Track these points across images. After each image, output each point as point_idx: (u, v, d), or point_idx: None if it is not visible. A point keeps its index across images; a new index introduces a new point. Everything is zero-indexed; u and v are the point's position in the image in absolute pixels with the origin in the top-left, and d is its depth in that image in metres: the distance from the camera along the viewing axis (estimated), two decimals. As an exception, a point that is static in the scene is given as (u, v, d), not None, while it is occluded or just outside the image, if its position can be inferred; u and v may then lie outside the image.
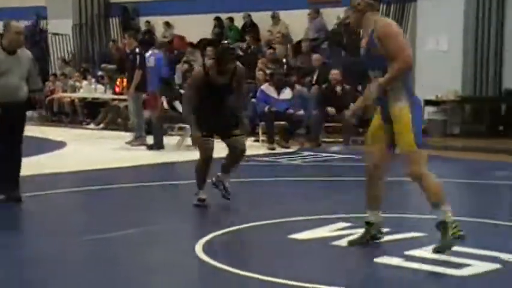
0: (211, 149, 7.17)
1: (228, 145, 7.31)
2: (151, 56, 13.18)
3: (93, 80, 18.18)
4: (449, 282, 4.78)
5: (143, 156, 11.42)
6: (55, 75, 19.46)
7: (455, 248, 5.39)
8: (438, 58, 13.83)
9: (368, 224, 5.59)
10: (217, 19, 18.52)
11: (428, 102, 14.16)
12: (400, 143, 5.25)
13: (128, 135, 13.04)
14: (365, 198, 5.58)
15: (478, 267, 4.99)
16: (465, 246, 5.43)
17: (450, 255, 5.22)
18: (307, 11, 16.80)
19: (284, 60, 15.91)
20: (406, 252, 5.34)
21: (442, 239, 5.17)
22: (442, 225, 5.17)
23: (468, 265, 5.03)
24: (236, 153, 7.29)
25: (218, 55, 7.14)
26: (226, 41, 9.95)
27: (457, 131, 13.82)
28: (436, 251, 5.19)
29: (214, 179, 7.44)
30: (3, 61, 7.19)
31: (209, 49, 17.10)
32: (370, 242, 5.57)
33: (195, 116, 7.04)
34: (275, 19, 17.35)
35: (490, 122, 13.68)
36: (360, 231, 5.85)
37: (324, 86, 13.44)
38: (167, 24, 19.29)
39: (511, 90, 13.24)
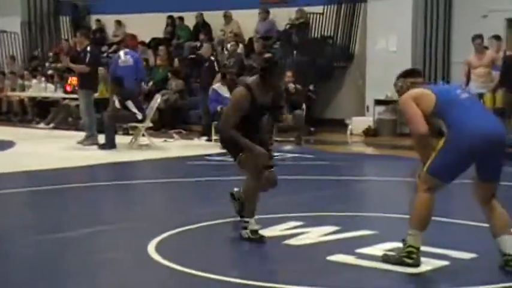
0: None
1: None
2: (127, 54, 13.17)
3: (43, 78, 17.92)
4: (397, 279, 4.85)
5: (95, 156, 11.31)
6: (3, 73, 19.13)
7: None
8: (388, 58, 14.01)
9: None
10: (170, 18, 18.45)
11: (378, 102, 14.37)
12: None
13: (79, 135, 12.91)
14: None
15: (427, 264, 5.05)
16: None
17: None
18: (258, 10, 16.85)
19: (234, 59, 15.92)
20: (358, 250, 5.40)
21: (397, 253, 5.10)
22: (404, 242, 5.09)
23: (418, 262, 5.11)
24: (269, 185, 6.06)
25: (264, 70, 5.78)
26: (268, 54, 8.55)
27: (406, 130, 14.00)
28: (383, 259, 5.12)
29: (235, 192, 6.43)
30: None
31: (161, 48, 17.06)
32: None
33: (238, 136, 5.77)
34: (227, 18, 17.34)
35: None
36: (313, 231, 5.91)
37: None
38: (118, 23, 19.15)
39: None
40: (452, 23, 14.65)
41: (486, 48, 12.93)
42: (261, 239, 5.69)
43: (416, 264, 4.96)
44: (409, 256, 4.95)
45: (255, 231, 5.71)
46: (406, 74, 5.33)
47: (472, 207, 5.32)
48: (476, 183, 5.00)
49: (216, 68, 13.70)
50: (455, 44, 14.59)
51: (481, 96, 12.82)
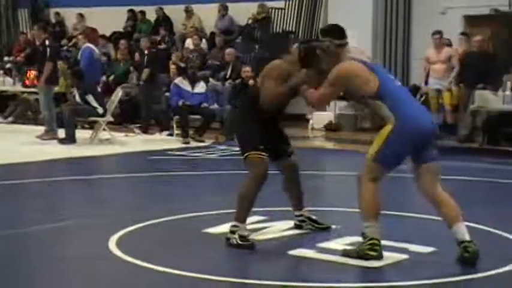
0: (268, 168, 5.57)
1: (283, 167, 5.88)
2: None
3: (1, 72, 17.65)
4: (357, 273, 4.90)
5: (55, 150, 11.20)
6: (-40, 67, 18.80)
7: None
8: (349, 54, 14.07)
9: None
10: (131, 11, 18.33)
11: (339, 97, 14.41)
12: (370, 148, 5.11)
13: (39, 129, 12.76)
14: None
15: (387, 258, 5.10)
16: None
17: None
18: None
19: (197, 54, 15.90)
20: (319, 245, 5.44)
21: (358, 247, 5.15)
22: (363, 236, 5.17)
23: (378, 256, 5.17)
24: (296, 173, 5.91)
25: (304, 55, 5.49)
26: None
27: (367, 125, 14.13)
28: (344, 254, 5.15)
29: (297, 220, 5.97)
30: None
31: (122, 42, 16.94)
32: None
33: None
34: (188, 13, 17.29)
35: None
36: (276, 225, 5.95)
37: (237, 81, 13.49)
38: (80, 16, 18.95)
39: (419, 86, 13.62)
40: (412, 19, 14.84)
41: (448, 44, 13.13)
42: (252, 247, 5.39)
43: (380, 256, 5.02)
44: (373, 248, 5.01)
45: (244, 237, 5.42)
46: (331, 33, 5.29)
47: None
48: (417, 173, 5.11)
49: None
50: (414, 40, 14.78)
51: (439, 91, 13.04)
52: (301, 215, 5.91)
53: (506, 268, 4.93)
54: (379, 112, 5.02)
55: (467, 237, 4.98)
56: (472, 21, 14.31)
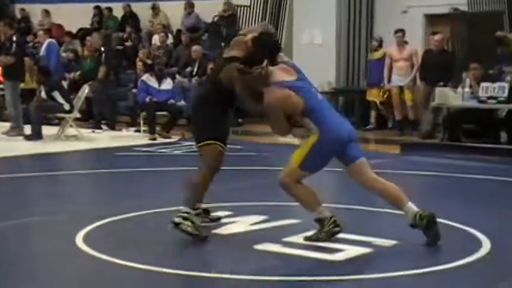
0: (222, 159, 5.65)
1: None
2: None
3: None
4: (321, 266, 4.93)
5: (21, 147, 11.07)
6: None
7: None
8: (313, 51, 14.15)
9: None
10: (97, 8, 18.16)
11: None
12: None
13: (5, 125, 12.60)
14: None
15: (351, 251, 5.15)
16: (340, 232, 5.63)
17: (325, 241, 5.38)
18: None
19: (164, 51, 15.83)
20: (284, 239, 5.45)
21: (318, 231, 5.39)
22: (318, 222, 5.43)
23: (342, 250, 5.19)
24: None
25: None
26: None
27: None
28: (308, 238, 5.38)
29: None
30: None
31: (88, 39, 16.78)
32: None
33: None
34: (155, 10, 17.20)
35: (361, 113, 14.13)
36: (241, 220, 5.96)
37: (203, 77, 13.46)
38: (46, 12, 18.74)
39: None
40: (375, 18, 14.95)
41: (406, 42, 13.26)
42: (204, 239, 5.38)
43: (342, 228, 5.36)
44: (336, 224, 5.34)
45: (198, 227, 5.35)
46: (269, 54, 5.41)
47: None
48: (349, 172, 5.48)
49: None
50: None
51: (401, 89, 13.17)
52: (198, 208, 5.67)
53: (467, 260, 4.99)
54: (307, 127, 5.41)
55: (416, 209, 5.27)
56: (433, 20, 14.50)
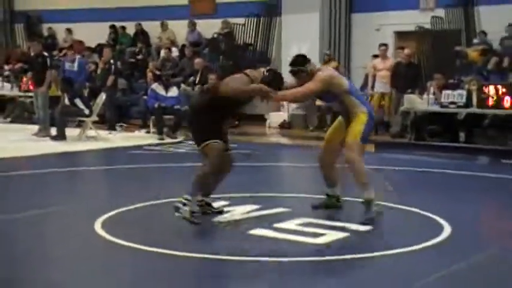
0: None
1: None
2: (73, 62, 13.45)
3: (0, 78, 17.32)
4: (308, 249, 4.93)
5: (48, 146, 11.04)
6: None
7: (312, 221, 5.58)
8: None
9: (328, 196, 6.05)
10: (112, 27, 18.13)
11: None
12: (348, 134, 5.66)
13: (34, 128, 12.57)
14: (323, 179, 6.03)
15: (331, 235, 5.15)
16: (320, 219, 5.63)
17: (310, 227, 5.39)
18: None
19: (171, 63, 15.80)
20: (275, 225, 5.45)
21: (366, 212, 5.52)
22: (367, 203, 5.54)
23: (323, 234, 5.19)
24: (230, 166, 5.82)
25: (270, 80, 5.54)
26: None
27: (315, 124, 14.20)
28: (364, 223, 5.43)
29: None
30: None
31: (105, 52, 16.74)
32: (329, 208, 6.01)
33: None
34: (164, 27, 17.18)
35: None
36: (237, 209, 5.96)
37: (205, 86, 13.43)
38: (68, 31, 18.71)
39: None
40: (352, 34, 14.97)
41: (376, 55, 13.29)
42: (197, 224, 5.36)
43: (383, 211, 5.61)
44: (379, 207, 5.57)
45: (194, 213, 5.35)
46: (307, 60, 5.78)
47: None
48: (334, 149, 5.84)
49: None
50: (354, 52, 14.92)
51: (383, 95, 13.16)
52: (202, 200, 5.75)
53: (432, 242, 5.00)
54: (350, 105, 5.63)
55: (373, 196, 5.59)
56: (402, 37, 14.52)
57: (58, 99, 12.87)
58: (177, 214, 5.35)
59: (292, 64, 5.79)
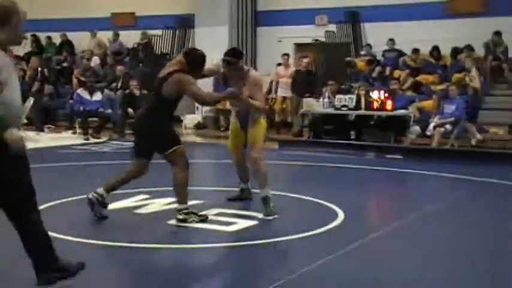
0: None
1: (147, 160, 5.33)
2: None
3: None
4: (219, 236, 4.91)
5: None
6: None
7: (224, 210, 5.57)
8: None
9: (242, 190, 6.05)
10: (34, 36, 17.29)
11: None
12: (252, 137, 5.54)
13: None
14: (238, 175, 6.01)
15: (241, 224, 5.16)
16: (232, 209, 5.62)
17: (223, 216, 5.37)
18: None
19: (94, 70, 15.34)
20: (191, 215, 5.38)
21: (266, 208, 5.40)
22: (265, 200, 5.44)
23: (234, 223, 5.19)
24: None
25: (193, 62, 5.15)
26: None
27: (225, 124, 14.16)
28: (265, 218, 5.35)
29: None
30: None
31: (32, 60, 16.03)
32: (243, 199, 6.01)
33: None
34: (92, 36, 16.63)
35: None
36: (157, 201, 5.85)
37: (126, 91, 13.15)
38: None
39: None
40: (258, 45, 15.10)
41: (279, 64, 13.46)
42: (207, 218, 5.18)
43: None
44: (274, 204, 5.46)
45: (198, 215, 5.13)
46: (242, 56, 5.68)
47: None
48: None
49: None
50: (260, 61, 15.04)
51: (285, 98, 13.29)
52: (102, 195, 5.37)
53: (328, 227, 5.11)
54: (259, 106, 5.49)
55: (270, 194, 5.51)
56: (300, 48, 14.77)
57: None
58: (185, 224, 5.07)
59: (231, 55, 5.49)
